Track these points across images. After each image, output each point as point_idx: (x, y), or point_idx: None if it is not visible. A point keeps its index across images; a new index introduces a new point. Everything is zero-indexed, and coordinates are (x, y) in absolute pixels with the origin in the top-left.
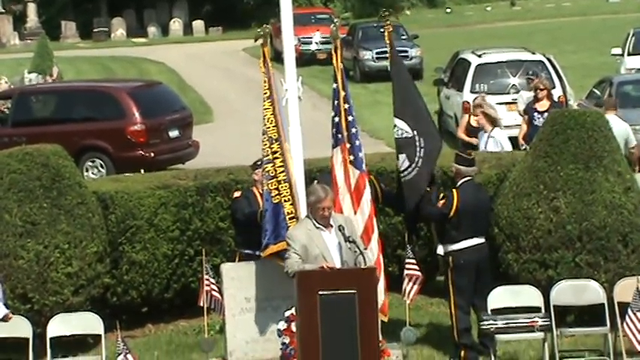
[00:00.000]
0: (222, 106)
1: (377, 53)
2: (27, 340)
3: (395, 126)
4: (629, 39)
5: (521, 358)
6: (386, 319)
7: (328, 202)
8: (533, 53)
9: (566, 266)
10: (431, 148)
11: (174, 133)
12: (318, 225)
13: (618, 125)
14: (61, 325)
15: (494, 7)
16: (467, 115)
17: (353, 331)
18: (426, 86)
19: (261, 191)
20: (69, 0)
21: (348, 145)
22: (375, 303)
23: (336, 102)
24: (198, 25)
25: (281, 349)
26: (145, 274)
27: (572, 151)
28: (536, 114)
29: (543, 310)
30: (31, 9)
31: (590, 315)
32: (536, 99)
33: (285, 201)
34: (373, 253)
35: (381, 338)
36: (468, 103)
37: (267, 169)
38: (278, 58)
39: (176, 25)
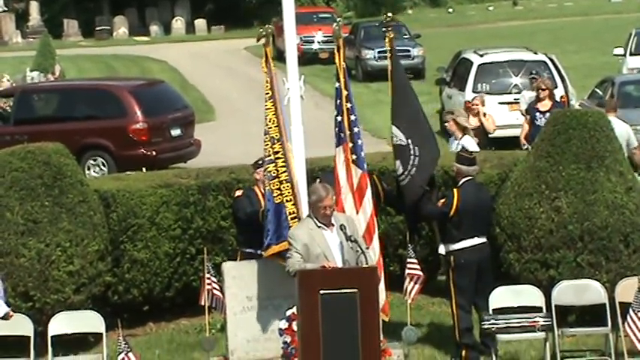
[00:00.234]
0: (224, 104)
1: (379, 52)
2: (28, 338)
3: (392, 132)
4: (632, 39)
5: (523, 358)
6: (387, 319)
7: (329, 202)
8: (536, 53)
9: (567, 266)
10: (425, 159)
11: (176, 132)
12: (319, 224)
13: (619, 127)
14: (62, 324)
15: (496, 6)
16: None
17: (354, 331)
18: (428, 86)
19: (262, 190)
20: None
21: (350, 145)
22: (376, 302)
23: (338, 101)
24: (200, 23)
25: (282, 348)
26: (146, 273)
27: (573, 151)
28: (538, 114)
29: (545, 310)
30: (34, 7)
31: (591, 315)
32: (538, 99)
33: (287, 201)
34: (375, 253)
35: (382, 338)
36: (470, 102)
37: (268, 169)
38: (280, 57)
39: (178, 24)
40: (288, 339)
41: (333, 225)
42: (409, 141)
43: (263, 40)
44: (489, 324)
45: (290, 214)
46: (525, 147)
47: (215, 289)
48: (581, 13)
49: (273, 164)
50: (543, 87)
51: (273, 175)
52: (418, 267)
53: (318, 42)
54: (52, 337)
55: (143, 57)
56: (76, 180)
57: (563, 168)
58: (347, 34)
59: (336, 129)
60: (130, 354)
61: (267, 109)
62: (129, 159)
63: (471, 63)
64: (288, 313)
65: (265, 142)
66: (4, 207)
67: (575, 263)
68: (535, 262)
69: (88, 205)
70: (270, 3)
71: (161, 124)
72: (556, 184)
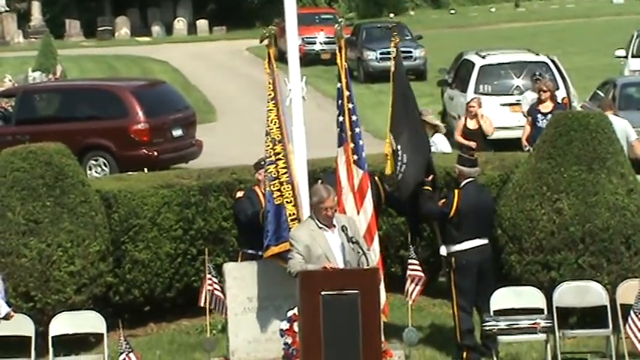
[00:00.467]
0: (225, 105)
1: (381, 54)
2: (29, 338)
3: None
4: (634, 41)
5: (524, 359)
6: (386, 320)
7: (331, 203)
8: (537, 55)
9: (568, 268)
10: (412, 168)
11: (177, 133)
12: (321, 225)
13: (618, 123)
14: (63, 324)
15: (498, 8)
16: (463, 118)
17: (355, 332)
18: (429, 87)
19: (264, 191)
20: None
21: (351, 145)
22: (377, 304)
23: (340, 101)
24: (202, 24)
25: (283, 349)
26: (147, 273)
27: (575, 152)
28: (539, 115)
29: (546, 312)
30: (36, 7)
31: (592, 317)
32: (540, 100)
33: (287, 202)
34: (375, 254)
35: (383, 339)
36: (467, 104)
37: (269, 171)
38: (282, 57)
39: (180, 25)
40: (289, 340)
41: (334, 226)
42: (398, 147)
43: (266, 41)
44: (490, 325)
45: (290, 215)
46: (527, 148)
47: (216, 289)
48: (583, 15)
49: (274, 165)
50: (545, 89)
51: (274, 176)
52: (419, 268)
53: (320, 43)
54: (53, 337)
55: (145, 57)
56: (78, 180)
57: (565, 170)
58: (349, 36)
59: (338, 129)
60: (131, 354)
61: (269, 110)
62: (130, 159)
63: (473, 64)
64: (290, 314)
65: (266, 143)
66: (6, 207)
67: (577, 265)
68: (536, 263)
69: (90, 205)
70: (272, 4)
71: (162, 125)
72: (557, 185)
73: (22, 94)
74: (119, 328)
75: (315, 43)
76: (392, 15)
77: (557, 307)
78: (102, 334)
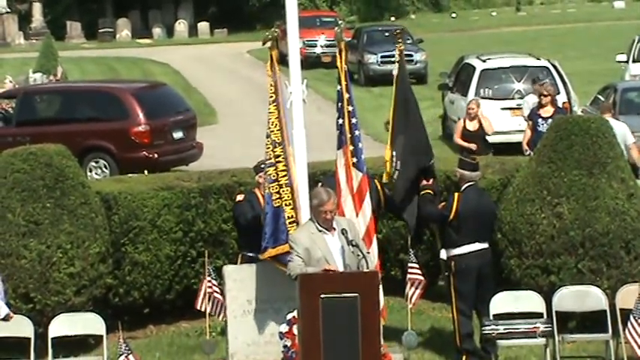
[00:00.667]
0: (226, 108)
1: (382, 57)
2: (29, 339)
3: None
4: (634, 46)
5: None
6: (384, 323)
7: (331, 206)
8: (538, 59)
9: (568, 272)
10: (406, 175)
11: (178, 135)
12: (321, 228)
13: (617, 127)
14: (62, 326)
15: (499, 12)
16: (462, 120)
17: (355, 335)
18: (430, 91)
19: (264, 194)
20: (74, 0)
21: (350, 148)
22: (377, 307)
23: (339, 104)
24: (203, 26)
25: (282, 351)
26: (147, 275)
27: (575, 157)
28: (540, 120)
29: (545, 316)
30: (37, 9)
31: (592, 321)
32: (541, 105)
33: (286, 205)
34: (374, 256)
35: (382, 342)
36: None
37: (269, 173)
38: (283, 60)
39: (181, 27)
40: (289, 343)
41: (334, 229)
42: (394, 153)
43: (269, 44)
44: (490, 329)
45: (288, 218)
46: (527, 153)
47: (215, 292)
48: (584, 20)
49: (274, 168)
50: (545, 93)
51: (273, 178)
52: (419, 272)
53: (321, 46)
54: (52, 338)
55: (146, 59)
56: (78, 182)
57: (565, 174)
58: (350, 39)
59: (338, 132)
60: (131, 356)
61: (270, 112)
62: (131, 161)
63: (474, 68)
64: (289, 316)
65: (267, 145)
66: (6, 208)
67: (576, 269)
68: (536, 267)
69: (90, 207)
70: (274, 6)
71: (163, 127)
72: (558, 190)
73: (23, 95)
74: (118, 330)
75: (316, 46)
76: (393, 18)
77: (556, 312)
78: (101, 336)
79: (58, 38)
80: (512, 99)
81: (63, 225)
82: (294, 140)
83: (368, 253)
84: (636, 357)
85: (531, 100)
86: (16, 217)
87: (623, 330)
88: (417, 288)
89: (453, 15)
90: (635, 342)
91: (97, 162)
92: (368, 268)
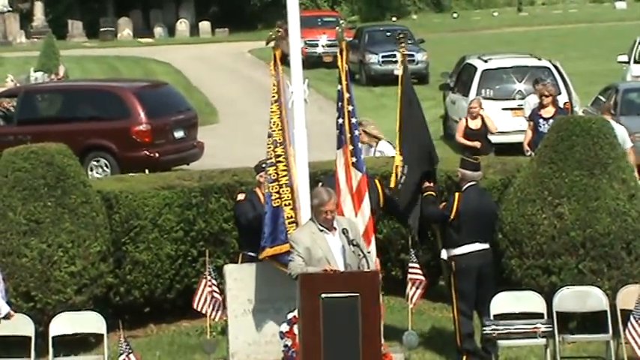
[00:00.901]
0: (227, 107)
1: (383, 57)
2: (29, 338)
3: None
4: (636, 46)
5: None
6: (383, 322)
7: (332, 206)
8: (540, 59)
9: (569, 273)
10: (411, 179)
11: (179, 134)
12: (321, 228)
13: (617, 129)
14: (63, 324)
15: (501, 12)
16: (464, 119)
17: (355, 335)
18: (431, 91)
19: (264, 193)
20: None
21: (350, 147)
22: (377, 306)
23: (340, 103)
24: (204, 26)
25: (283, 351)
26: (148, 275)
27: (577, 157)
28: (541, 120)
29: (546, 316)
30: (38, 7)
31: (592, 322)
32: (542, 105)
33: (285, 205)
34: (373, 255)
35: (383, 342)
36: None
37: (269, 172)
38: (284, 60)
39: (182, 26)
40: (289, 342)
41: (335, 229)
42: (401, 158)
43: (272, 43)
44: (490, 329)
45: (288, 218)
46: (528, 153)
47: (215, 292)
48: (586, 20)
49: (274, 167)
50: (546, 93)
51: (273, 178)
52: (420, 272)
53: (323, 46)
54: (53, 337)
55: (147, 59)
56: (79, 181)
57: (566, 174)
58: (351, 39)
59: (337, 131)
60: (131, 355)
61: (272, 112)
62: (132, 160)
63: (475, 68)
64: (290, 316)
65: (268, 144)
66: (7, 207)
67: (577, 270)
68: (537, 268)
69: (91, 206)
70: (275, 6)
71: (164, 126)
72: (559, 190)
73: (24, 94)
74: (119, 329)
75: (317, 46)
76: (394, 19)
77: (557, 312)
78: (102, 335)
79: (60, 37)
80: (514, 99)
81: (64, 224)
82: (295, 140)
83: (369, 252)
84: (636, 357)
85: (532, 100)
86: (17, 216)
87: (624, 330)
88: (417, 288)
89: (455, 15)
90: (636, 342)
91: (98, 161)
92: (369, 267)
